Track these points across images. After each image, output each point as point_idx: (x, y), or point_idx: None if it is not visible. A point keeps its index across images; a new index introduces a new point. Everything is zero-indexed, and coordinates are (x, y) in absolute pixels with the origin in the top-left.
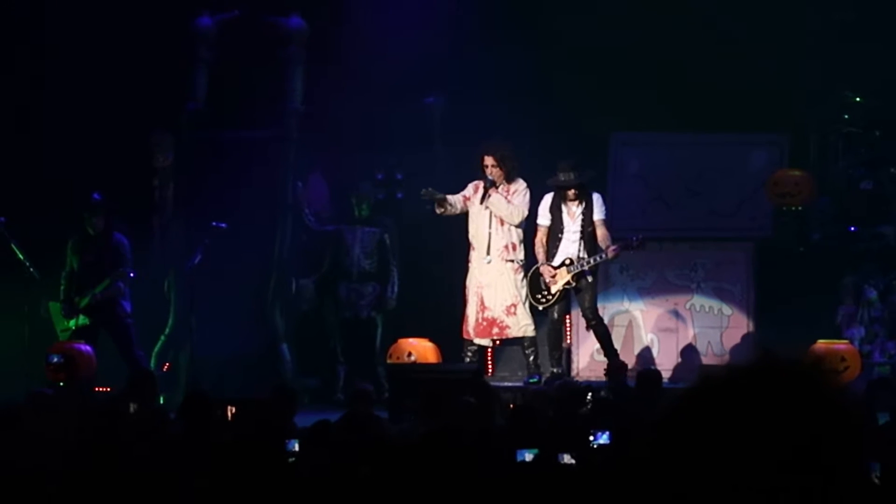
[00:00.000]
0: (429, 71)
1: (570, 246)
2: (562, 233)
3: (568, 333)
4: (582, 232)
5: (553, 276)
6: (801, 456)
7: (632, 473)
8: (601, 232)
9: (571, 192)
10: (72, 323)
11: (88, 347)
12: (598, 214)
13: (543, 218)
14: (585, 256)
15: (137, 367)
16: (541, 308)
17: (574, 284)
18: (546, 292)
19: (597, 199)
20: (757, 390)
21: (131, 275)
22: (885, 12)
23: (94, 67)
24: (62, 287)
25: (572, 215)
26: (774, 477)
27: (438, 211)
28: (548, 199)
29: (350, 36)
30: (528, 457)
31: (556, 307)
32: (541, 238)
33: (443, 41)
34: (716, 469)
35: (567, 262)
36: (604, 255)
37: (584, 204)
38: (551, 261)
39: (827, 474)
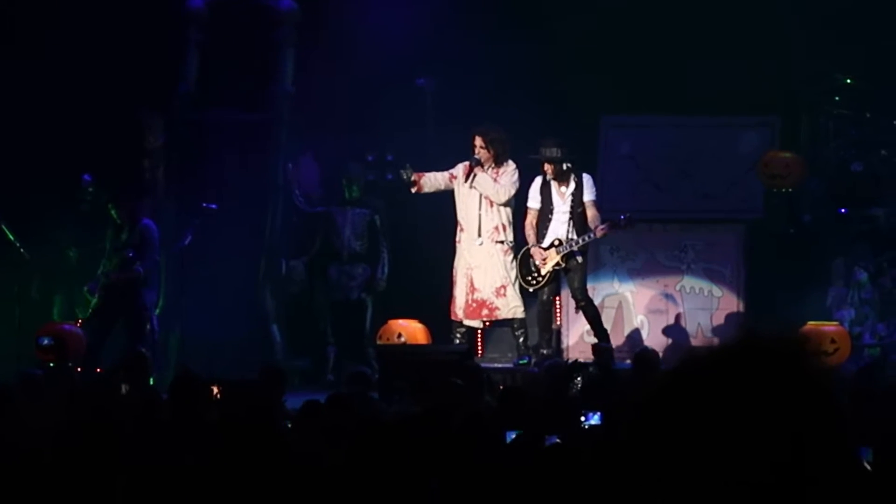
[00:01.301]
0: (420, 53)
1: (560, 227)
2: (552, 214)
3: (558, 315)
4: (572, 213)
5: (543, 258)
6: (784, 439)
7: (619, 456)
8: (591, 213)
9: (555, 170)
10: (94, 302)
11: (78, 329)
12: (588, 195)
13: (534, 201)
14: (575, 237)
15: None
16: (531, 290)
17: (563, 265)
18: (536, 274)
19: (587, 179)
20: (740, 372)
21: (130, 255)
22: None
23: (86, 49)
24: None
25: (562, 196)
26: (759, 459)
27: (413, 190)
28: (538, 181)
29: (341, 17)
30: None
31: (547, 288)
32: (531, 221)
33: (434, 23)
34: (699, 451)
35: (556, 242)
36: (592, 235)
37: (574, 185)
38: (541, 242)
39: (812, 457)
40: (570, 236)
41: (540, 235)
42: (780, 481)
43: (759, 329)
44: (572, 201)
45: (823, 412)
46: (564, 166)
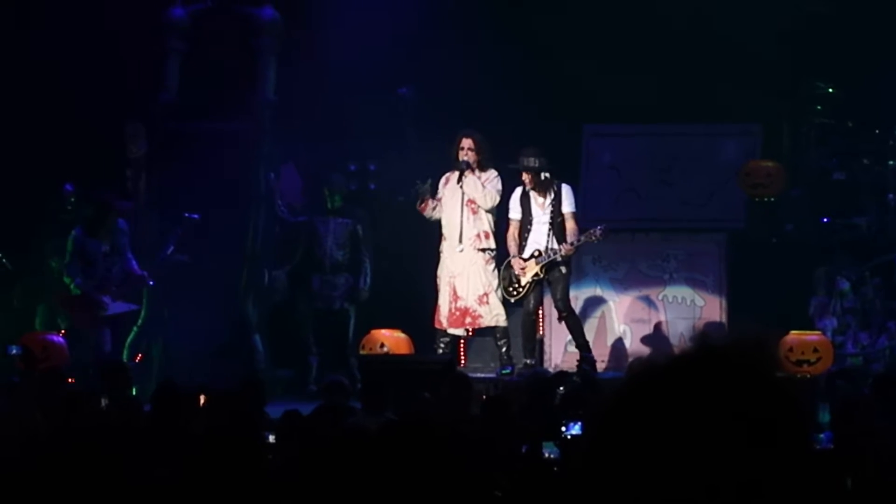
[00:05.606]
0: (401, 62)
1: (540, 237)
2: (531, 224)
3: (541, 325)
4: (551, 223)
5: (522, 268)
6: (745, 446)
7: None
8: (570, 225)
9: (533, 180)
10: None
11: (61, 339)
12: (567, 207)
13: (514, 211)
14: (554, 247)
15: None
16: (513, 301)
17: (542, 276)
18: (517, 284)
19: (566, 190)
20: (697, 379)
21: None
22: (856, 3)
23: (68, 58)
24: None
25: (542, 206)
26: (718, 467)
27: (420, 207)
28: (518, 192)
29: (323, 26)
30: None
31: (531, 298)
32: (512, 232)
33: (415, 32)
34: (658, 461)
35: (536, 253)
36: (560, 252)
37: (553, 195)
38: (522, 253)
39: (773, 462)
40: (549, 247)
41: (521, 246)
42: (739, 490)
43: (717, 336)
44: (552, 211)
45: (784, 419)
46: (543, 176)
